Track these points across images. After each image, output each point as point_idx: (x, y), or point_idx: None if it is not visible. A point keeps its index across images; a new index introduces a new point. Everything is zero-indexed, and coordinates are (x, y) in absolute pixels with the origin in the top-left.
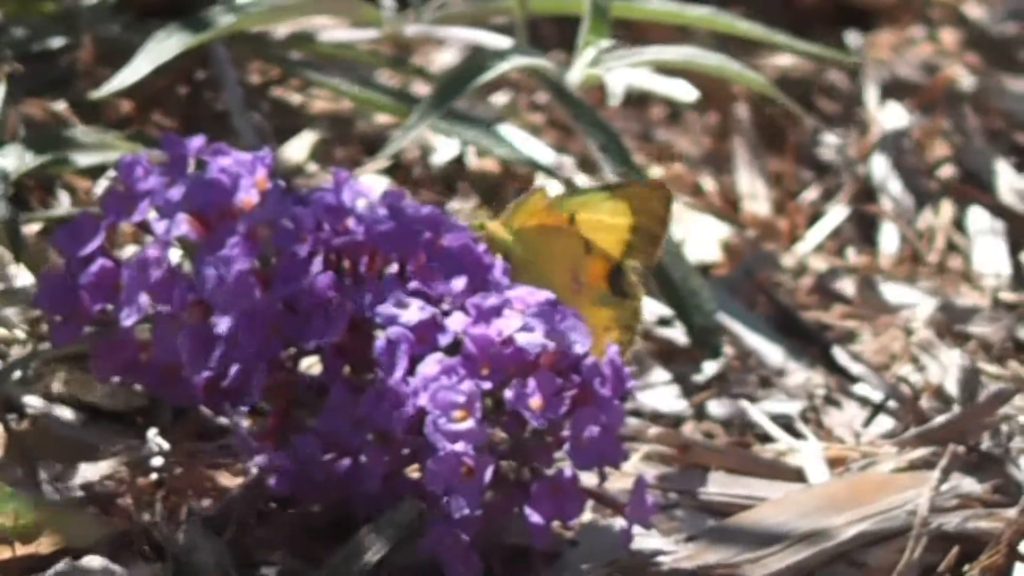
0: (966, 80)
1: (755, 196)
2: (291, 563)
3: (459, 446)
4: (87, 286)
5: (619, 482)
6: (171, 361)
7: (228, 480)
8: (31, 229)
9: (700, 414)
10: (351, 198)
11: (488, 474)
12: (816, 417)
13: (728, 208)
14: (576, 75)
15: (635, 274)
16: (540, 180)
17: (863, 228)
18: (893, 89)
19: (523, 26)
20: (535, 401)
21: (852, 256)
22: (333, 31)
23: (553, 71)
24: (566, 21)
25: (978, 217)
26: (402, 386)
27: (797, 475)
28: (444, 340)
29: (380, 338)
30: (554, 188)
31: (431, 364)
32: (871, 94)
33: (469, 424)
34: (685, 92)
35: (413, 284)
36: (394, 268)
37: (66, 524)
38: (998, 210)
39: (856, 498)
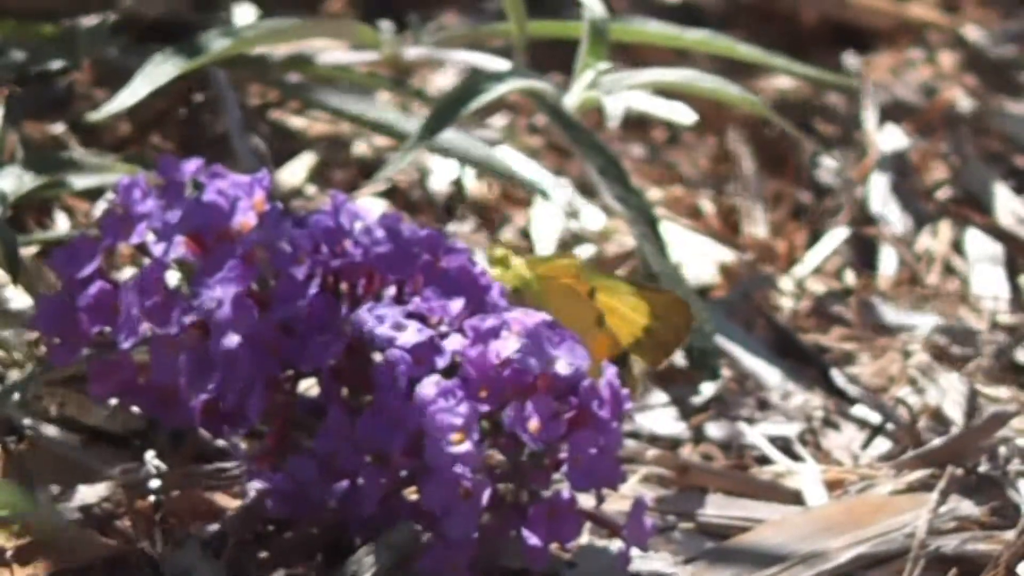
0: (964, 102)
1: (754, 218)
2: None
3: (457, 468)
4: (85, 308)
5: (617, 504)
6: (169, 383)
7: (226, 502)
8: (29, 251)
9: (698, 436)
10: (349, 220)
11: (486, 496)
12: (814, 439)
13: (727, 231)
14: (574, 98)
15: (636, 372)
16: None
17: (861, 251)
18: (892, 111)
19: (521, 49)
20: (533, 423)
21: (850, 278)
22: (331, 53)
23: (551, 94)
24: (564, 44)
25: (976, 240)
26: (400, 408)
27: (795, 497)
28: (442, 362)
29: (378, 360)
30: (584, 254)
31: (429, 386)
32: (870, 116)
33: (467, 446)
34: (684, 115)
35: (411, 306)
36: (392, 290)
37: (64, 546)
38: (997, 233)
39: (854, 520)
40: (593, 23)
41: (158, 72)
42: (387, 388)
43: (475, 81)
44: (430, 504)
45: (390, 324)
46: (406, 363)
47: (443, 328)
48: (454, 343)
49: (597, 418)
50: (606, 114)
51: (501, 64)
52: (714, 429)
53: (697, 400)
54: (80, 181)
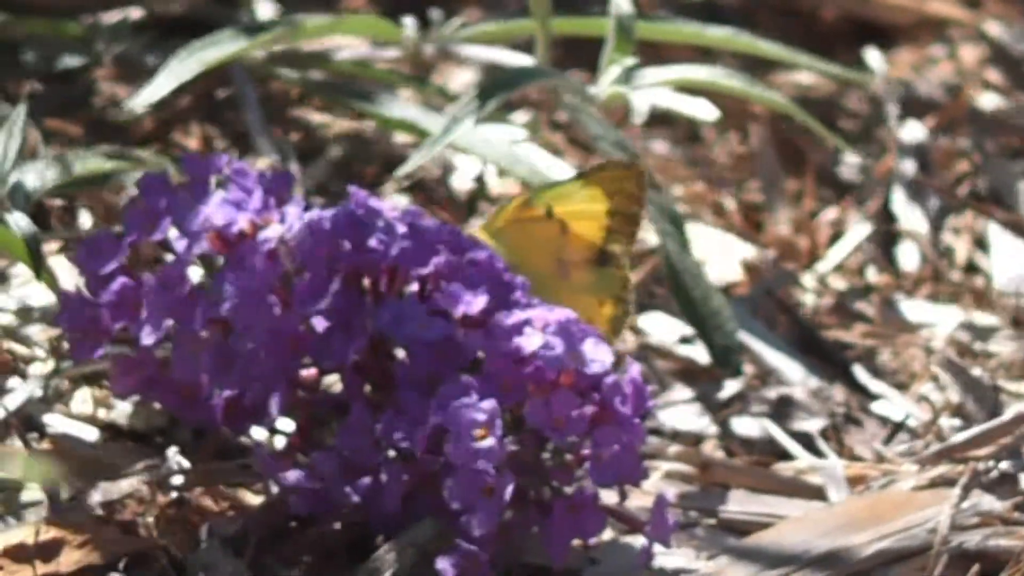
0: (986, 98)
1: (776, 215)
2: None
3: (479, 464)
4: (108, 304)
5: (639, 500)
6: (191, 380)
7: (248, 499)
8: (52, 247)
9: (721, 432)
10: (371, 217)
11: (508, 492)
12: (836, 435)
13: (749, 227)
14: (601, 92)
15: (618, 253)
16: None
17: (883, 247)
18: (913, 107)
19: (545, 45)
20: (555, 419)
21: (872, 275)
22: (353, 50)
23: (576, 89)
24: (584, 42)
25: (999, 235)
26: (422, 404)
27: (817, 493)
28: (464, 359)
29: (401, 356)
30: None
31: (451, 382)
32: (891, 113)
33: (489, 442)
34: (706, 111)
35: (433, 302)
36: (414, 286)
37: (87, 543)
38: (1019, 228)
39: (876, 516)
40: (620, 19)
41: (181, 68)
42: (410, 385)
43: (499, 77)
44: (452, 500)
45: (413, 321)
46: (429, 359)
47: (465, 324)
48: (477, 339)
49: (620, 414)
50: (632, 110)
51: (524, 61)
52: (737, 425)
53: (720, 396)
54: (103, 178)
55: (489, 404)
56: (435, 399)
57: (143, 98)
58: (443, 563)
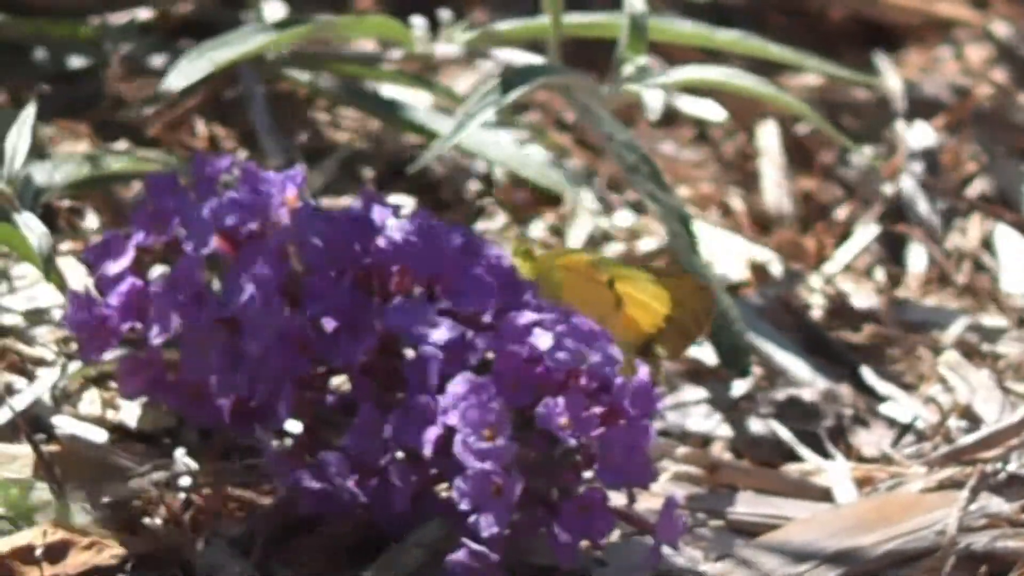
0: (994, 99)
1: (783, 216)
2: None
3: (488, 465)
4: (116, 305)
5: (648, 502)
6: (199, 380)
7: (256, 499)
8: (60, 248)
9: (729, 434)
10: (380, 217)
11: (517, 493)
12: (844, 437)
13: (756, 228)
14: (614, 91)
15: (660, 362)
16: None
17: (891, 248)
18: (920, 108)
19: (556, 44)
20: (564, 420)
21: (880, 276)
22: (362, 50)
23: (587, 89)
24: (592, 43)
25: (1006, 236)
26: (431, 405)
27: (825, 495)
28: (474, 359)
29: (409, 357)
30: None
31: (460, 383)
32: (899, 114)
33: (498, 443)
34: (714, 112)
35: (442, 303)
36: (423, 287)
37: (94, 544)
38: None
39: (884, 518)
40: (633, 17)
41: (191, 68)
42: (418, 385)
43: (507, 77)
44: (461, 501)
45: (421, 321)
46: (437, 360)
47: (475, 325)
48: (486, 340)
49: (629, 415)
50: (645, 108)
51: (534, 60)
52: (745, 427)
53: (728, 397)
54: (111, 178)
55: (498, 405)
56: (444, 399)
57: (150, 99)
58: (452, 564)
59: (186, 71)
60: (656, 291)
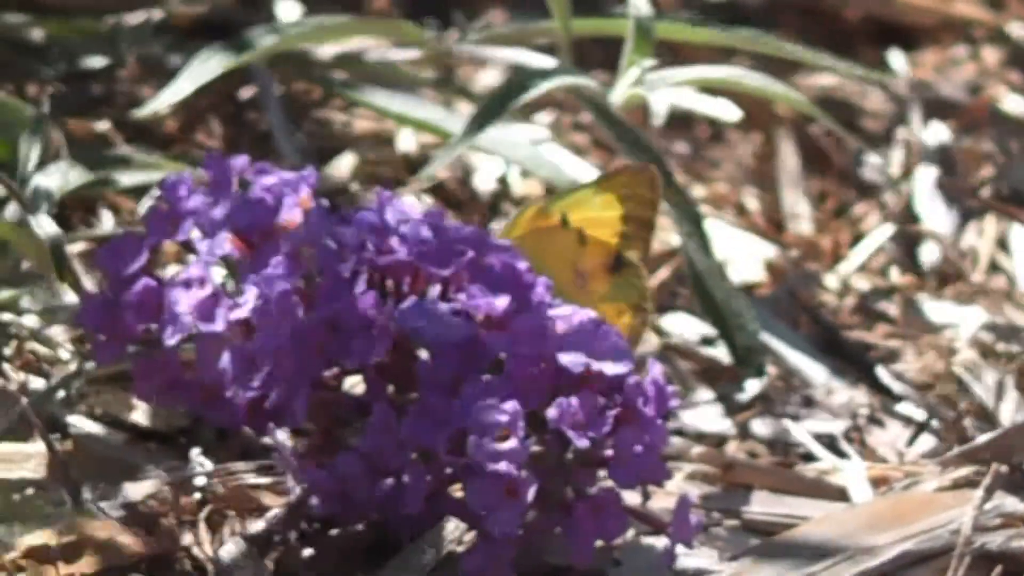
0: (1009, 99)
1: (798, 216)
2: None
3: (502, 466)
4: (130, 305)
5: (662, 501)
6: (214, 381)
7: (271, 500)
8: (75, 248)
9: (743, 433)
10: (394, 218)
11: (531, 494)
12: (859, 436)
13: (771, 228)
14: (619, 95)
15: (635, 259)
16: None
17: (906, 247)
18: (936, 108)
19: (566, 46)
20: (578, 420)
21: (895, 275)
22: (376, 51)
23: (596, 91)
24: (608, 42)
25: (1021, 236)
26: (445, 406)
27: (840, 494)
28: (487, 359)
29: (423, 357)
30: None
31: (474, 383)
32: (914, 113)
33: (512, 443)
34: (728, 112)
35: (456, 303)
36: (437, 287)
37: (110, 544)
38: None
39: (899, 517)
40: (638, 21)
41: (203, 69)
42: (432, 385)
43: (520, 78)
44: (475, 502)
45: (435, 322)
46: (451, 360)
47: (488, 325)
48: (499, 340)
49: (642, 415)
50: (651, 111)
51: (546, 62)
52: (759, 426)
53: (742, 397)
54: (125, 178)
55: (511, 405)
56: (458, 400)
57: (165, 99)
58: (466, 564)
59: (197, 72)
60: (603, 199)
